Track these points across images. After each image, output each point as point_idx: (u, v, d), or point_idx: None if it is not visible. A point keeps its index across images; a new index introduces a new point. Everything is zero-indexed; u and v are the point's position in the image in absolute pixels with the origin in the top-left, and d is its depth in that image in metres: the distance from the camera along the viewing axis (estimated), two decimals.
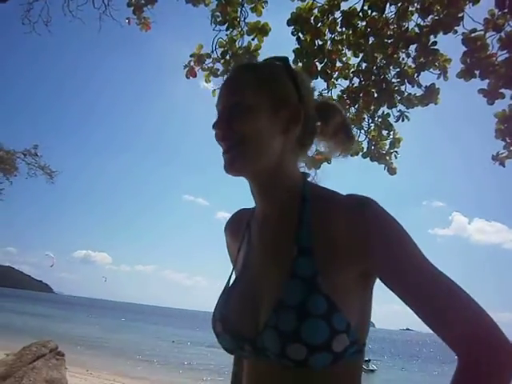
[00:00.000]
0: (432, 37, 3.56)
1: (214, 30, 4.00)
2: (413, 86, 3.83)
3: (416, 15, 3.63)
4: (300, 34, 3.73)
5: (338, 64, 3.94)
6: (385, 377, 29.07)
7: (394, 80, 3.88)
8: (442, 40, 3.57)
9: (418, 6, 3.59)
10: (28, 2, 5.31)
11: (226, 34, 4.06)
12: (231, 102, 0.94)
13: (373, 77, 3.90)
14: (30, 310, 61.80)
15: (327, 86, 3.93)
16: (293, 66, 1.02)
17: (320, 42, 3.79)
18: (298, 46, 3.73)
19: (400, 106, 3.94)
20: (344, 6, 3.77)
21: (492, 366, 0.74)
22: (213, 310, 1.00)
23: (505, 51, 3.22)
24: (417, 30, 3.59)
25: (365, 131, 4.18)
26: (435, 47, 3.58)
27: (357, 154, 3.98)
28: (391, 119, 4.04)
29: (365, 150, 4.16)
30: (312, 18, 3.75)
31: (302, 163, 1.03)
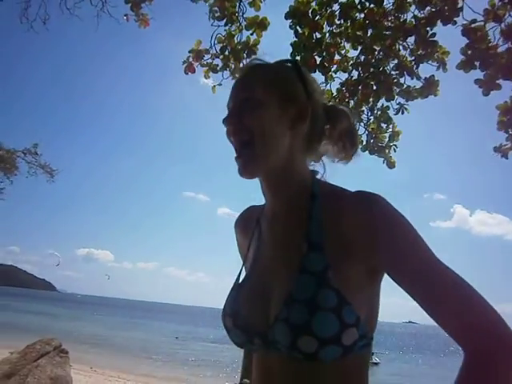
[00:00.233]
0: (430, 29, 3.54)
1: (212, 25, 3.99)
2: (412, 78, 3.82)
3: (414, 6, 3.61)
4: (298, 27, 3.72)
5: (337, 57, 3.92)
6: (388, 370, 29.16)
7: (392, 72, 3.87)
8: (441, 31, 3.56)
9: None
10: (25, 1, 5.29)
11: (225, 30, 4.04)
12: (241, 98, 0.97)
13: (371, 69, 3.88)
14: (34, 309, 61.99)
15: (325, 80, 3.92)
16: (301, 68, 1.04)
17: (318, 35, 3.78)
18: (296, 39, 3.71)
19: (399, 99, 3.93)
20: None
21: (498, 358, 0.75)
22: (222, 306, 1.01)
23: (506, 42, 3.21)
24: (414, 21, 3.57)
25: (364, 124, 4.17)
26: (434, 39, 3.57)
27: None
28: (391, 112, 4.03)
29: (364, 143, 4.15)
30: (310, 10, 3.74)
31: (310, 161, 1.05)
